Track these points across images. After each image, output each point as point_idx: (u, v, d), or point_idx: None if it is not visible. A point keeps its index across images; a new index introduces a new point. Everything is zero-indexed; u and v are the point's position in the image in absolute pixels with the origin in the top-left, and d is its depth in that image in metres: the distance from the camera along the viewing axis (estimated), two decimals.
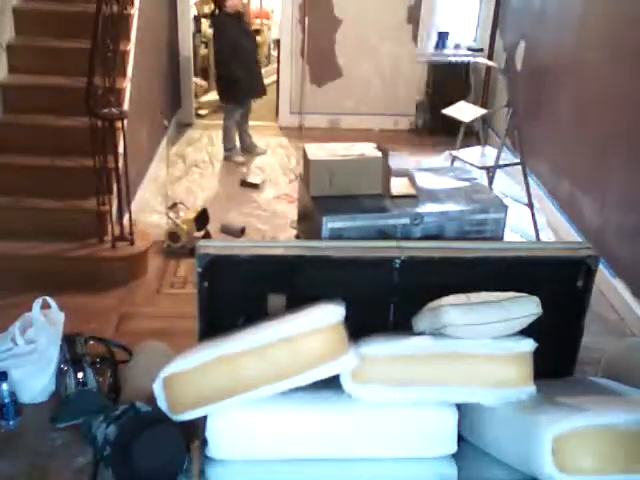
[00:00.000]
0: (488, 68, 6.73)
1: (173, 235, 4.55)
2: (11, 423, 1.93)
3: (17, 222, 4.13)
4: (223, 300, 2.02)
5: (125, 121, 4.18)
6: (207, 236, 4.67)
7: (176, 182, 5.65)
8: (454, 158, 4.93)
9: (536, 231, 4.81)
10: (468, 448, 1.85)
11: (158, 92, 6.11)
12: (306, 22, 6.87)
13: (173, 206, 5.06)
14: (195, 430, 1.77)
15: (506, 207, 3.11)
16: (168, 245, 4.53)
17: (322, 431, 1.77)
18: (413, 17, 6.96)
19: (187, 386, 1.72)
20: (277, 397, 1.72)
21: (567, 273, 2.09)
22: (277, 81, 7.32)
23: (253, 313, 1.93)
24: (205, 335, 1.96)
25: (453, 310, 1.73)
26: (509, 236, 4.39)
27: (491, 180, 4.77)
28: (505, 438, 1.77)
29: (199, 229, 4.68)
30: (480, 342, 1.74)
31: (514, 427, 1.74)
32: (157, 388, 1.73)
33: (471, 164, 4.66)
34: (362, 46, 6.99)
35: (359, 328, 1.80)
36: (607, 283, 4.09)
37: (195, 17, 7.84)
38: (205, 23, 8.37)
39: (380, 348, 1.77)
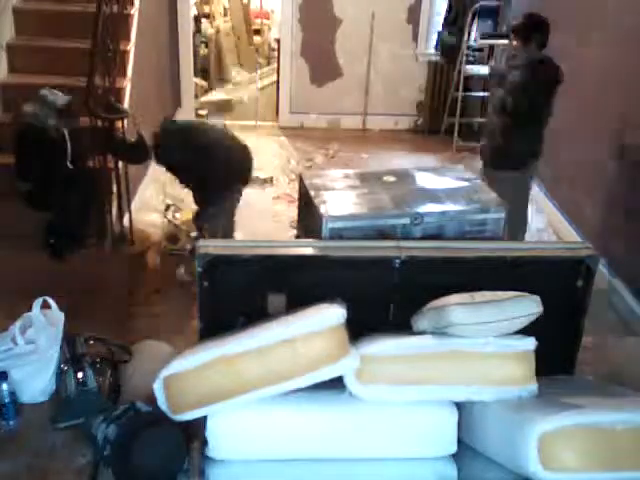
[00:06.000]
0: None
1: (172, 237, 4.54)
2: (11, 423, 1.93)
3: (17, 222, 4.13)
4: (223, 300, 2.02)
5: (125, 121, 4.18)
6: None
7: (176, 182, 5.63)
8: None
9: None
10: (468, 448, 1.85)
11: (158, 92, 6.10)
12: (306, 22, 6.87)
13: (167, 208, 5.04)
14: (195, 430, 1.77)
15: (506, 207, 3.10)
16: (169, 248, 4.52)
17: (322, 431, 1.77)
18: (413, 17, 6.95)
19: (187, 386, 1.72)
20: (277, 397, 1.72)
21: (567, 273, 2.09)
22: (277, 81, 7.31)
23: (253, 313, 1.93)
24: (205, 335, 1.96)
25: (460, 309, 1.74)
26: None
27: None
28: (493, 436, 1.77)
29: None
30: (483, 341, 1.75)
31: (502, 426, 1.75)
32: (157, 388, 1.73)
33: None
34: (362, 46, 6.98)
35: (359, 328, 1.80)
36: (607, 283, 4.08)
37: (195, 17, 7.82)
38: (205, 23, 8.34)
39: (384, 348, 1.77)
